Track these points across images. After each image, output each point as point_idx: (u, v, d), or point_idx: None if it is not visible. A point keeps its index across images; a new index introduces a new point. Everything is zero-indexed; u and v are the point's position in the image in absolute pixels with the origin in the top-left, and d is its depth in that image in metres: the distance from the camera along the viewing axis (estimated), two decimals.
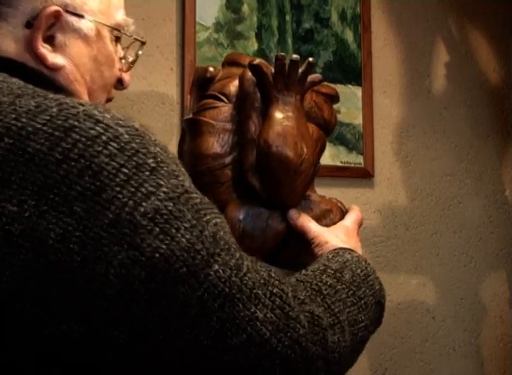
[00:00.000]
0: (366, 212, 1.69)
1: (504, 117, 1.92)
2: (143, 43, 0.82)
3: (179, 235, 0.55)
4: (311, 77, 0.87)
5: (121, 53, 0.81)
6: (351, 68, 1.67)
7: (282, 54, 0.84)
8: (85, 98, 0.74)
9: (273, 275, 0.62)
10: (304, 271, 0.73)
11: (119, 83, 0.81)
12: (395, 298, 1.70)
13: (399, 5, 1.78)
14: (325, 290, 0.69)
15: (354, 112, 1.67)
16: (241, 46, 1.54)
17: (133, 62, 0.83)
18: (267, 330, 0.58)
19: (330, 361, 0.64)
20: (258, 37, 1.56)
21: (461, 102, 1.86)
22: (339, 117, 1.64)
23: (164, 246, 0.54)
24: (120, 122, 0.57)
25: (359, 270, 0.76)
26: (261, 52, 1.56)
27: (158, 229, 0.54)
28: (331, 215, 0.92)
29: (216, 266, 0.56)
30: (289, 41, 1.60)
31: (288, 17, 1.61)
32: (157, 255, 0.54)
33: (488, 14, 1.92)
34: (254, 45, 1.55)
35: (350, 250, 0.81)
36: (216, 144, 0.87)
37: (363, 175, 1.67)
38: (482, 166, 1.87)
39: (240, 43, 1.54)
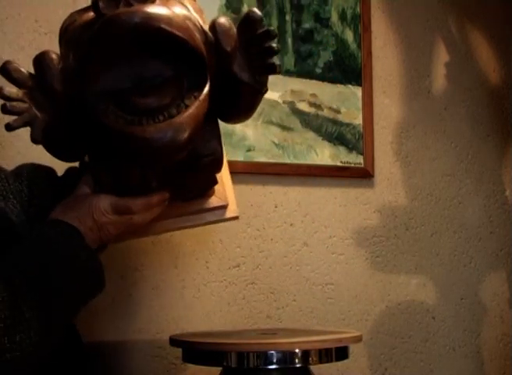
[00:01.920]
0: (366, 212, 1.69)
1: (504, 117, 1.92)
2: None
3: None
4: None
5: None
6: (351, 68, 1.67)
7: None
8: None
9: None
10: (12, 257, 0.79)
11: None
12: (395, 298, 1.70)
13: (399, 5, 1.78)
14: (24, 287, 0.75)
15: (354, 112, 1.67)
16: None
17: None
18: None
19: (8, 360, 0.72)
20: None
21: (461, 102, 1.86)
22: (340, 117, 1.65)
23: None
24: None
25: (61, 252, 0.82)
26: None
27: None
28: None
29: None
30: (289, 41, 1.60)
31: (288, 17, 1.61)
32: None
33: (488, 14, 1.92)
34: None
35: (67, 226, 0.85)
36: None
37: (363, 175, 1.67)
38: (482, 166, 1.87)
39: None
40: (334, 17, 1.67)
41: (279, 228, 1.58)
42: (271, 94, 1.56)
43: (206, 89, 0.83)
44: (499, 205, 1.89)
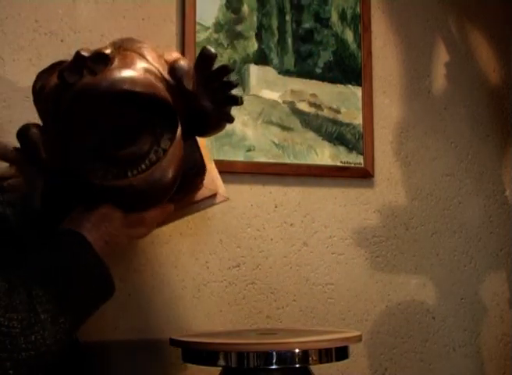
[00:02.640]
0: (366, 212, 1.69)
1: (504, 117, 1.92)
2: None
3: None
4: None
5: None
6: (351, 68, 1.67)
7: None
8: None
9: None
10: (26, 261, 0.84)
11: None
12: (395, 298, 1.70)
13: (399, 5, 1.78)
14: (39, 290, 0.80)
15: (354, 112, 1.67)
16: (241, 46, 1.54)
17: None
18: None
19: (24, 359, 0.77)
20: (258, 37, 1.56)
21: (461, 102, 1.86)
22: (340, 117, 1.65)
23: None
24: None
25: (71, 259, 0.86)
26: (261, 52, 1.56)
27: None
28: None
29: None
30: (289, 41, 1.60)
31: (288, 17, 1.61)
32: None
33: (488, 14, 1.92)
34: (254, 45, 1.55)
35: (74, 235, 0.89)
36: None
37: (363, 175, 1.67)
38: (482, 166, 1.87)
39: (239, 43, 1.54)
40: (334, 17, 1.66)
41: (279, 228, 1.58)
42: (271, 94, 1.56)
43: (178, 131, 0.89)
44: (499, 205, 1.89)
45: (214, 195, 1.12)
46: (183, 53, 1.46)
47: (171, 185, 0.90)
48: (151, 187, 0.87)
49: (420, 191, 1.77)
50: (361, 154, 1.66)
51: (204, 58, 0.93)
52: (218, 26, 1.51)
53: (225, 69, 0.94)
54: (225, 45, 1.52)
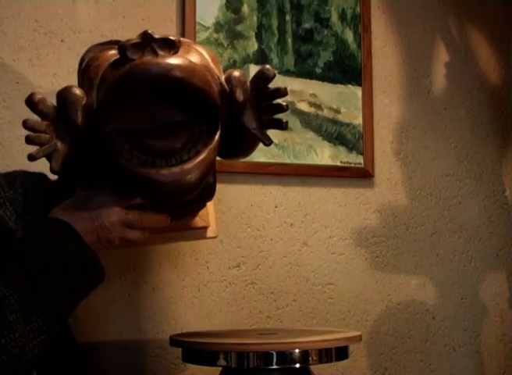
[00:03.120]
0: (366, 212, 1.69)
1: (504, 117, 1.92)
2: None
3: None
4: None
5: None
6: (351, 68, 1.67)
7: None
8: None
9: None
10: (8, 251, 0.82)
11: None
12: (395, 298, 1.70)
13: (399, 5, 1.78)
14: (6, 290, 0.77)
15: (354, 112, 1.67)
16: (241, 46, 1.54)
17: None
18: None
19: None
20: (258, 37, 1.56)
21: (461, 102, 1.86)
22: (340, 117, 1.65)
23: None
24: None
25: (50, 249, 0.83)
26: (261, 52, 1.56)
27: None
28: None
29: None
30: (289, 41, 1.60)
31: (288, 17, 1.61)
32: None
33: (488, 14, 1.92)
34: (254, 45, 1.55)
35: (56, 222, 0.86)
36: None
37: (363, 175, 1.67)
38: (482, 166, 1.87)
39: (239, 43, 1.54)
40: (334, 17, 1.67)
41: (279, 228, 1.58)
42: None
43: (217, 137, 0.88)
44: (499, 205, 1.89)
45: (205, 228, 1.11)
46: None
47: (191, 189, 0.88)
48: (173, 184, 0.85)
49: (420, 191, 1.77)
50: (361, 154, 1.66)
51: (263, 77, 0.94)
52: (218, 26, 1.51)
53: (280, 92, 0.95)
54: (225, 45, 1.52)
